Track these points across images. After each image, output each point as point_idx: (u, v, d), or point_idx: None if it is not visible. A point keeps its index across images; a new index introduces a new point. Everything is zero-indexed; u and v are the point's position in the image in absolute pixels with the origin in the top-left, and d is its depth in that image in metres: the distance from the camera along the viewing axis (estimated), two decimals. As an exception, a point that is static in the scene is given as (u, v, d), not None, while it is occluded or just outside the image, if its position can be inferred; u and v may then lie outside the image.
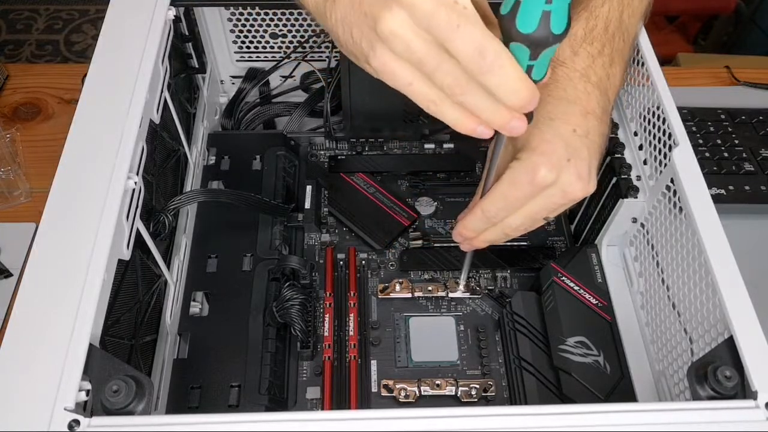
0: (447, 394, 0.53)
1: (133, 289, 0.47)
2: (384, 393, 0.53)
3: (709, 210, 0.44)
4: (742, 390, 0.37)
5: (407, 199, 0.66)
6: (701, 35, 1.38)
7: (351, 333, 0.56)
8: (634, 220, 0.56)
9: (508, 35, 0.34)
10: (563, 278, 0.55)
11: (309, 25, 0.67)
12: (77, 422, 0.33)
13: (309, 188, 0.64)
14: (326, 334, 0.55)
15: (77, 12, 1.97)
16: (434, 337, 0.57)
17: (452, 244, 0.63)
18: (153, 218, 0.51)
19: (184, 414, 0.34)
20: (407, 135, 0.71)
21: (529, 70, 0.35)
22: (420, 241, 0.63)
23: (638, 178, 0.54)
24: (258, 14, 0.66)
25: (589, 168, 0.42)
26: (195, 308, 0.56)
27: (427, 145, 0.72)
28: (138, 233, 0.46)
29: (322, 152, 0.71)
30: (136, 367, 0.44)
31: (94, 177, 0.42)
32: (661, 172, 0.50)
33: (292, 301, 0.54)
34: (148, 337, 0.50)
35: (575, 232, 0.64)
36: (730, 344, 0.38)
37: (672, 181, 0.48)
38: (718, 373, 0.37)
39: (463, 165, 0.69)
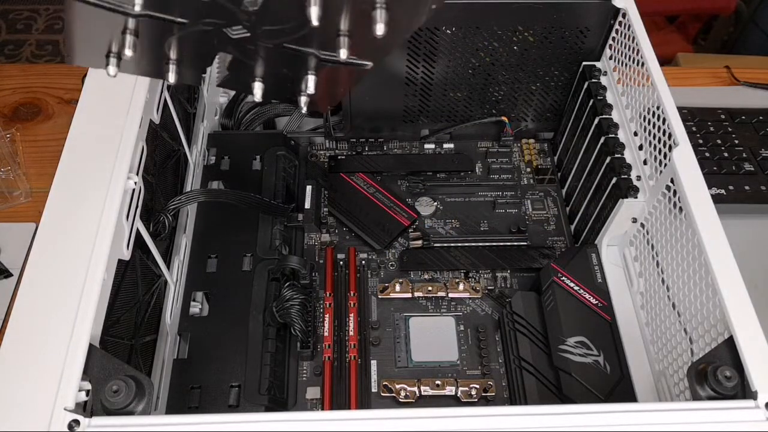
0: (447, 394, 0.53)
1: (133, 289, 0.47)
2: (384, 393, 0.53)
3: (709, 210, 0.44)
4: (742, 390, 0.37)
5: (407, 199, 0.66)
6: (701, 35, 1.38)
7: (351, 333, 0.56)
8: (634, 220, 0.56)
9: None
10: (563, 278, 0.55)
11: (309, 25, 0.67)
12: (77, 422, 0.33)
13: (309, 188, 0.64)
14: (326, 334, 0.55)
15: (77, 12, 1.97)
16: (434, 337, 0.57)
17: (452, 244, 0.63)
18: (153, 218, 0.51)
19: (184, 414, 0.34)
20: (407, 135, 0.71)
21: None
22: (420, 241, 0.63)
23: (638, 178, 0.54)
24: (258, 14, 0.66)
25: None
26: (195, 308, 0.56)
27: (427, 145, 0.72)
28: (138, 233, 0.46)
29: (322, 152, 0.71)
30: (136, 367, 0.44)
31: (94, 177, 0.42)
32: (661, 172, 0.50)
33: (292, 301, 0.54)
34: (148, 337, 0.50)
35: (575, 232, 0.65)
36: (730, 344, 0.38)
37: (672, 181, 0.48)
38: (718, 373, 0.37)
39: (463, 165, 0.69)
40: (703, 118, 0.77)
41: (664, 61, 1.15)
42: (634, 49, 0.56)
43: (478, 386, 0.53)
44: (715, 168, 0.72)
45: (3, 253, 0.66)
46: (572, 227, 0.65)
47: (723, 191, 0.69)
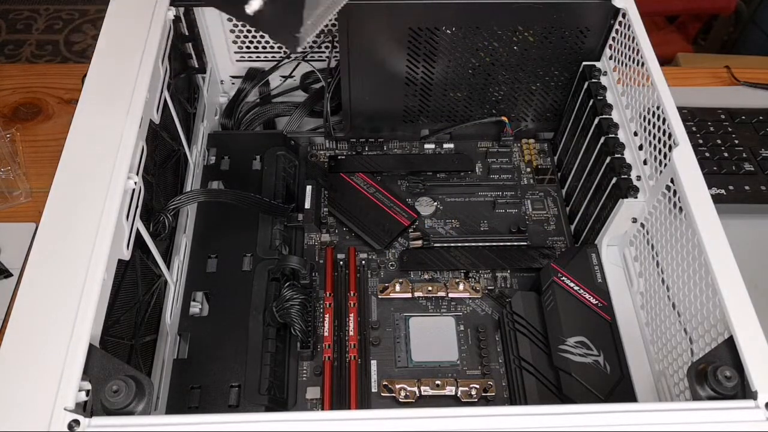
0: (447, 394, 0.53)
1: (133, 289, 0.47)
2: (384, 393, 0.53)
3: (709, 210, 0.44)
4: (742, 390, 0.37)
5: (407, 199, 0.66)
6: (701, 35, 1.38)
7: (351, 333, 0.56)
8: (634, 220, 0.56)
9: None
10: (563, 278, 0.55)
11: (309, 25, 0.67)
12: (77, 422, 0.33)
13: (309, 188, 0.64)
14: (326, 334, 0.55)
15: (77, 12, 1.97)
16: (434, 337, 0.57)
17: (452, 244, 0.63)
18: (153, 218, 0.51)
19: (184, 414, 0.34)
20: (407, 135, 0.71)
21: None
22: (420, 241, 0.63)
23: (638, 178, 0.54)
24: (258, 14, 0.66)
25: None
26: (195, 308, 0.56)
27: (427, 145, 0.72)
28: (138, 233, 0.45)
29: (322, 152, 0.71)
30: (136, 367, 0.44)
31: (94, 177, 0.42)
32: (661, 172, 0.50)
33: (292, 301, 0.54)
34: (148, 337, 0.50)
35: (575, 232, 0.65)
36: (730, 344, 0.38)
37: (672, 181, 0.48)
38: (718, 373, 0.37)
39: (463, 165, 0.69)
40: (703, 118, 0.77)
41: (664, 61, 1.15)
42: (634, 49, 0.56)
43: (478, 386, 0.53)
44: (715, 168, 0.72)
45: (3, 253, 0.66)
46: (572, 227, 0.65)
47: (723, 191, 0.69)
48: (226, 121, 0.72)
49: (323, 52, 0.69)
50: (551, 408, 0.35)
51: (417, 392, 0.53)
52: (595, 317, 0.53)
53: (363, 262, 0.62)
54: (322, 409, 0.52)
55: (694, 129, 0.76)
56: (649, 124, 0.53)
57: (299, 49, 0.55)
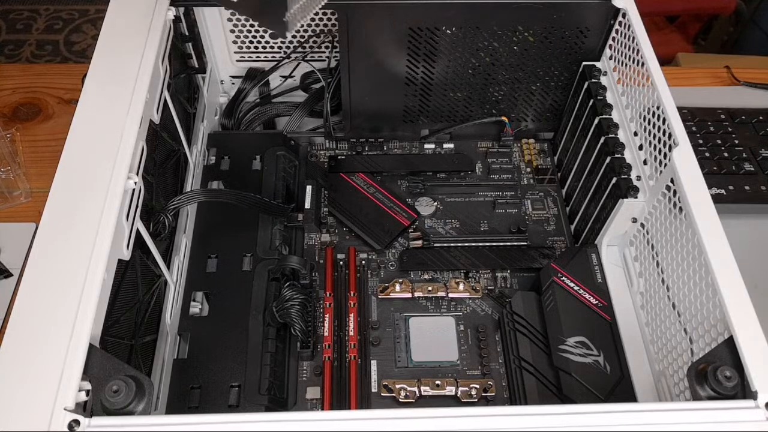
0: (447, 394, 0.53)
1: (133, 289, 0.47)
2: (384, 393, 0.53)
3: (709, 210, 0.44)
4: (742, 390, 0.37)
5: (407, 199, 0.66)
6: (701, 35, 1.38)
7: (351, 333, 0.56)
8: (634, 220, 0.56)
9: None
10: (563, 278, 0.55)
11: (309, 25, 0.67)
12: (77, 422, 0.33)
13: (309, 188, 0.64)
14: (326, 334, 0.55)
15: (77, 12, 1.97)
16: (434, 337, 0.57)
17: (452, 244, 0.63)
18: (153, 218, 0.51)
19: (184, 414, 0.34)
20: (407, 135, 0.71)
21: None
22: (420, 241, 0.63)
23: (638, 178, 0.54)
24: (258, 14, 0.66)
25: None
26: (195, 308, 0.56)
27: (427, 145, 0.72)
28: (138, 233, 0.46)
29: (322, 152, 0.71)
30: (136, 367, 0.44)
31: (94, 177, 0.42)
32: (661, 172, 0.50)
33: (292, 301, 0.54)
34: (148, 337, 0.50)
35: (575, 232, 0.65)
36: (730, 344, 0.38)
37: (672, 181, 0.48)
38: (718, 374, 0.37)
39: (463, 165, 0.69)
40: (703, 118, 0.77)
41: (664, 61, 1.15)
42: (634, 49, 0.56)
43: (478, 386, 0.53)
44: (715, 168, 0.72)
45: (3, 253, 0.66)
46: (572, 227, 0.65)
47: (723, 191, 0.69)
48: (226, 121, 0.72)
49: (323, 52, 0.69)
50: (551, 408, 0.35)
51: (417, 392, 0.53)
52: (595, 317, 0.53)
53: (363, 262, 0.62)
54: (322, 409, 0.52)
55: (694, 129, 0.76)
56: (649, 124, 0.53)
57: (289, 36, 0.55)
